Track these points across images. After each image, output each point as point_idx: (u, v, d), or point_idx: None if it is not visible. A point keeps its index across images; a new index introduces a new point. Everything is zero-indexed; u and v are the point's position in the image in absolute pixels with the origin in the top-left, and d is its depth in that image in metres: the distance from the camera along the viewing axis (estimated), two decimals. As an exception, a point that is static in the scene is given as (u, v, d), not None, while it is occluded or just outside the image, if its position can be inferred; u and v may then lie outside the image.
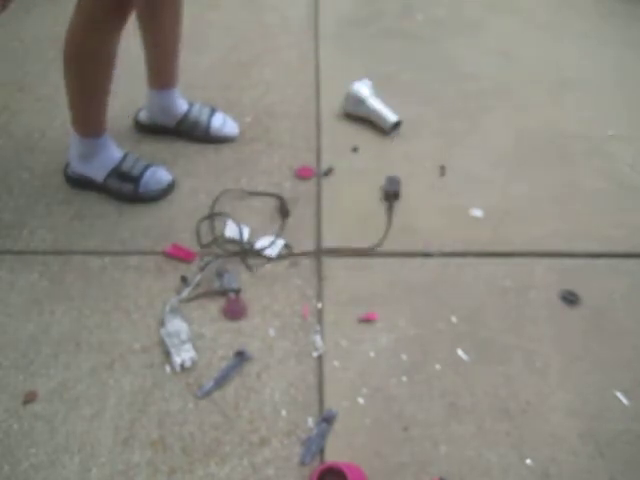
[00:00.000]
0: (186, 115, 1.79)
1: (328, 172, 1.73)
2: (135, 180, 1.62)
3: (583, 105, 2.01)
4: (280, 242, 1.52)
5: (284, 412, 1.21)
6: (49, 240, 1.54)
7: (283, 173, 1.73)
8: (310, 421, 1.20)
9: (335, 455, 1.14)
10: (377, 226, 1.56)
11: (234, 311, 1.38)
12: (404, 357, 1.30)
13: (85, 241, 1.54)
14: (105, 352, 1.31)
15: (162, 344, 1.31)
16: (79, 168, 1.63)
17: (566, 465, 1.13)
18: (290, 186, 1.69)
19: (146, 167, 1.64)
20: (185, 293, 1.40)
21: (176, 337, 1.30)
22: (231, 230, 1.55)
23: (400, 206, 1.62)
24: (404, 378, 1.26)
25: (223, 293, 1.41)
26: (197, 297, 1.41)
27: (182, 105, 1.79)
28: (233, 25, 2.35)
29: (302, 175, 1.72)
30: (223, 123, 1.82)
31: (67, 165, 1.68)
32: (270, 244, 1.51)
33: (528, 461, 1.14)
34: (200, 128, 1.80)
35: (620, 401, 1.23)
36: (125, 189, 1.62)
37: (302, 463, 1.13)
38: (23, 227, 1.57)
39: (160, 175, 1.65)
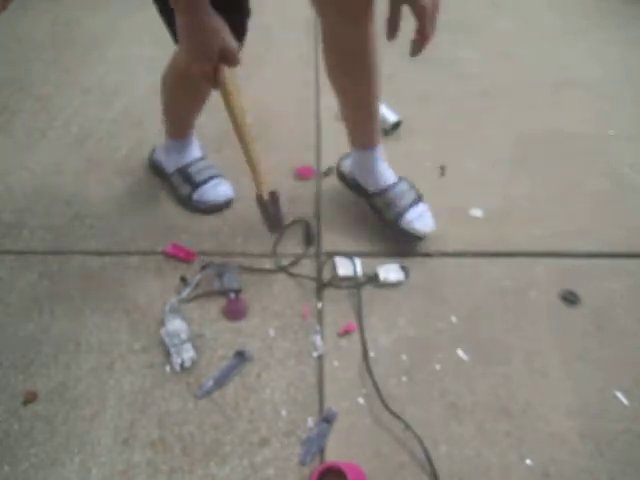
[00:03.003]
0: (387, 190, 1.52)
1: (328, 172, 1.73)
2: (195, 185, 1.61)
3: (583, 105, 2.01)
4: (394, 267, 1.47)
5: (284, 412, 1.21)
6: (49, 240, 1.54)
7: (283, 173, 1.73)
8: (310, 421, 1.20)
9: (335, 455, 1.14)
10: (377, 226, 1.57)
11: (234, 311, 1.38)
12: (404, 357, 1.30)
13: (85, 241, 1.54)
14: (105, 352, 1.31)
15: (162, 344, 1.31)
16: (158, 156, 1.69)
17: (566, 465, 1.13)
18: (290, 186, 1.69)
19: (211, 177, 1.63)
20: (185, 293, 1.40)
21: (176, 337, 1.30)
22: (344, 267, 1.46)
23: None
24: (404, 378, 1.26)
25: (223, 293, 1.41)
26: (197, 297, 1.41)
27: (387, 177, 1.53)
28: (233, 25, 2.35)
29: (302, 175, 1.72)
30: (418, 217, 1.51)
31: (153, 150, 1.72)
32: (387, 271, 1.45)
33: (528, 461, 1.14)
34: (392, 211, 1.51)
35: (620, 401, 1.23)
36: (182, 190, 1.63)
37: (302, 463, 1.13)
38: (23, 227, 1.57)
39: (221, 189, 1.62)
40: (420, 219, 1.50)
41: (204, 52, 1.09)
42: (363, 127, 1.48)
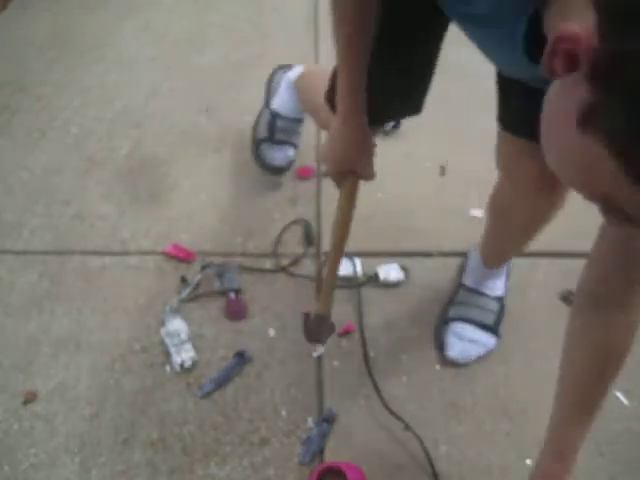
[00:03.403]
0: (474, 292, 1.38)
1: (328, 172, 1.72)
2: (271, 139, 1.60)
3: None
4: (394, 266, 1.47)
5: (284, 412, 1.21)
6: (49, 240, 1.54)
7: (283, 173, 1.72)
8: (310, 421, 1.20)
9: (335, 455, 1.14)
10: (377, 226, 1.56)
11: (234, 311, 1.38)
12: (404, 357, 1.30)
13: (85, 241, 1.54)
14: (105, 352, 1.31)
15: (162, 344, 1.31)
16: (284, 84, 1.60)
17: (566, 465, 1.13)
18: (290, 186, 1.69)
19: (288, 142, 1.61)
20: (185, 293, 1.40)
21: (176, 337, 1.30)
22: (344, 267, 1.43)
23: (400, 206, 1.62)
24: (404, 378, 1.26)
25: (223, 293, 1.41)
26: (197, 297, 1.41)
27: (490, 284, 1.38)
28: (233, 25, 2.35)
29: (302, 175, 1.72)
30: (460, 340, 1.31)
31: (288, 69, 1.64)
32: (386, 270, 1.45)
33: (528, 461, 1.14)
34: (449, 311, 1.37)
35: (620, 401, 1.23)
36: (260, 131, 1.61)
37: (302, 463, 1.13)
38: (23, 227, 1.57)
39: (285, 155, 1.61)
40: (460, 343, 1.29)
41: (337, 162, 1.05)
42: (497, 253, 1.36)
